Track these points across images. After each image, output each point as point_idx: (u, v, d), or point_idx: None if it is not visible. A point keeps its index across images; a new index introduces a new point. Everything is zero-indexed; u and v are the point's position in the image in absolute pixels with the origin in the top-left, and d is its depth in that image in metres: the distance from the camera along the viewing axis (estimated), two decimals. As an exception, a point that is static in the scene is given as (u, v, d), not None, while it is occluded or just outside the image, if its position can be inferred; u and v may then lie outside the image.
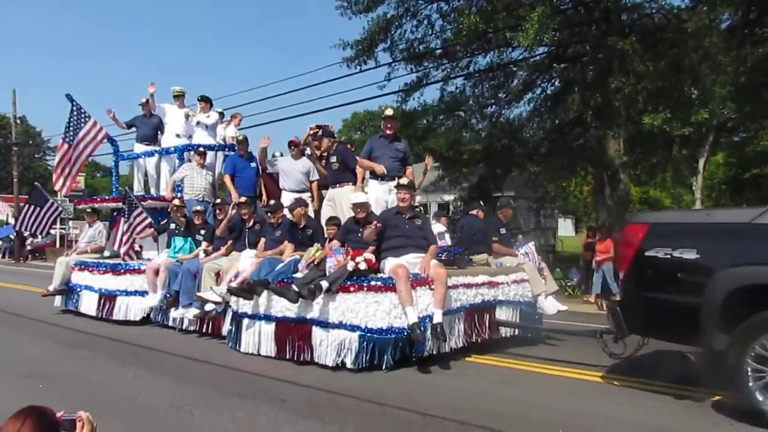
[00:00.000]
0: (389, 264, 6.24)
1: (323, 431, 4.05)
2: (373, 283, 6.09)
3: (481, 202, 8.88)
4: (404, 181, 6.51)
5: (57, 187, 10.21)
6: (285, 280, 6.68)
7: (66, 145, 9.63)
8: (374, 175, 7.32)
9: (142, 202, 9.49)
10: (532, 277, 7.50)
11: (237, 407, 4.56)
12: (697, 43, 12.01)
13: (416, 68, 16.90)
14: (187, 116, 10.45)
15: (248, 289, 6.75)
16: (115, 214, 10.71)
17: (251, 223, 8.19)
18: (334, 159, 7.74)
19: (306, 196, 8.54)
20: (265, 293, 6.71)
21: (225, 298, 7.22)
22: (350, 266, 6.18)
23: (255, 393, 5.03)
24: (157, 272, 8.70)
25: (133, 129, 11.05)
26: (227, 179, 9.38)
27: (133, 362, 6.25)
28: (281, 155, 9.69)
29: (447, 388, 5.29)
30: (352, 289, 6.12)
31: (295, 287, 6.29)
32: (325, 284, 6.12)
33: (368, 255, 6.32)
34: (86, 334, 8.03)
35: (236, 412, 4.43)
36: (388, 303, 5.99)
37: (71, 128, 9.77)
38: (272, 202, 7.85)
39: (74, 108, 10.24)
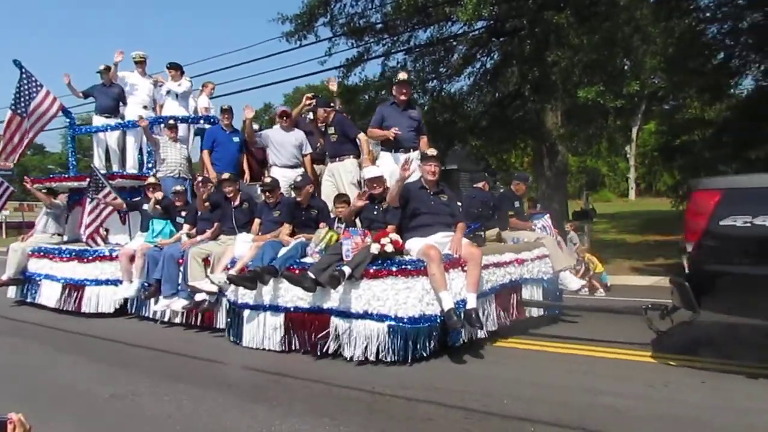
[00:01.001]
0: (416, 245, 5.49)
1: (271, 413, 3.86)
2: (402, 267, 5.29)
3: (486, 174, 8.15)
4: (432, 151, 5.72)
5: (0, 161, 8.82)
6: (294, 266, 5.90)
7: (18, 117, 8.25)
8: (386, 145, 6.45)
9: (111, 181, 8.25)
10: (553, 252, 6.90)
11: (182, 393, 4.35)
12: (628, 16, 12.11)
13: (357, 43, 16.75)
14: (155, 83, 9.27)
15: (253, 277, 5.88)
16: (74, 194, 9.50)
17: (237, 202, 7.22)
18: (332, 130, 6.92)
19: (299, 171, 7.66)
20: (271, 281, 5.81)
21: (223, 287, 6.26)
22: (374, 249, 5.40)
23: (202, 378, 4.81)
24: (132, 259, 7.75)
25: (91, 100, 9.67)
26: (205, 155, 8.36)
27: (75, 351, 5.84)
28: (259, 128, 8.64)
29: (483, 377, 4.69)
30: (380, 274, 5.31)
31: (311, 274, 5.45)
32: (347, 270, 5.31)
33: (394, 236, 5.55)
34: (45, 328, 6.93)
35: (182, 398, 4.22)
36: (419, 288, 5.29)
37: (22, 98, 8.43)
38: (267, 179, 6.87)
39: (24, 75, 8.89)
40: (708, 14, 15.26)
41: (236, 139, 8.44)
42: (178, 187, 7.94)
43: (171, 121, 8.60)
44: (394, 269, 5.34)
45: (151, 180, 8.13)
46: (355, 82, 17.29)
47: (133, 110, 9.34)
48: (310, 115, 7.17)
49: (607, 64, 12.73)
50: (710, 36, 15.11)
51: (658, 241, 16.95)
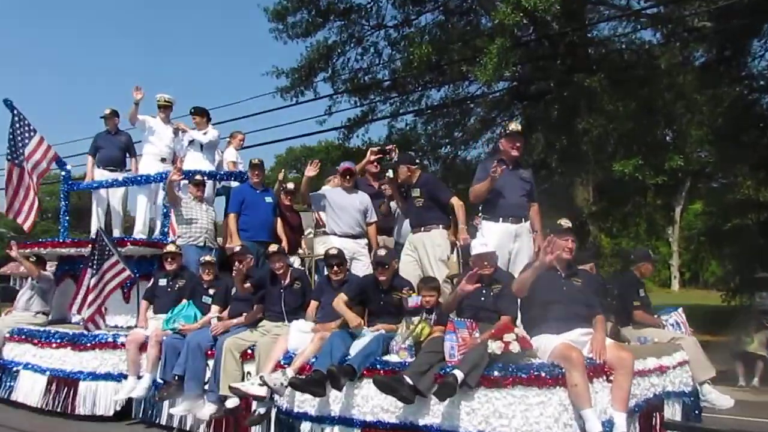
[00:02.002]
0: (549, 344, 4.88)
1: None
2: (536, 373, 4.60)
3: (588, 254, 7.57)
4: (566, 222, 5.14)
5: (20, 221, 8.26)
6: (377, 366, 5.28)
7: (17, 168, 7.73)
8: (489, 214, 5.93)
9: (120, 248, 7.67)
10: (695, 357, 6.20)
11: None
12: (670, 81, 12.35)
13: (361, 101, 17.10)
14: (176, 132, 8.96)
15: (321, 380, 5.21)
16: (63, 264, 9.05)
17: (288, 281, 6.60)
18: (416, 192, 6.47)
19: (362, 242, 7.18)
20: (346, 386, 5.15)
21: (278, 390, 5.52)
22: (495, 347, 4.77)
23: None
24: (143, 347, 7.13)
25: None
26: (231, 219, 7.95)
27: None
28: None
29: None
30: (504, 382, 4.63)
31: (408, 379, 4.75)
32: (459, 375, 4.60)
33: (520, 331, 4.90)
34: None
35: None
36: (556, 403, 4.64)
37: (16, 144, 7.90)
38: (332, 250, 6.25)
39: (15, 118, 8.42)
40: (762, 82, 15.42)
41: (269, 200, 8.06)
42: (208, 258, 7.35)
43: (198, 177, 8.11)
44: (523, 376, 4.65)
45: (171, 248, 7.50)
46: (357, 144, 17.39)
47: (148, 163, 8.92)
48: (390, 173, 6.64)
49: (646, 135, 12.82)
50: (765, 106, 15.19)
51: (709, 341, 16.15)
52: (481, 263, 5.41)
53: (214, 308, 7.16)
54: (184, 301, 7.35)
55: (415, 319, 5.53)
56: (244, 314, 6.85)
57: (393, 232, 7.46)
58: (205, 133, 8.93)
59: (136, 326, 7.71)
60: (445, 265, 6.20)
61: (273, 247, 6.75)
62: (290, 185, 8.40)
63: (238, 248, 7.08)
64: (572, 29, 13.60)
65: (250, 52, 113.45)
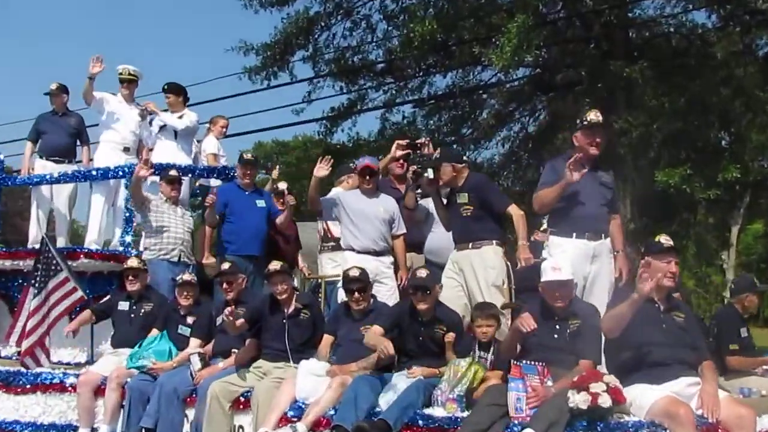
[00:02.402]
0: (646, 396, 4.73)
1: None
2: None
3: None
4: (667, 240, 4.98)
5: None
6: (418, 422, 5.15)
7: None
8: (561, 228, 5.82)
9: (72, 261, 7.64)
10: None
11: None
12: (727, 73, 12.44)
13: (348, 87, 17.02)
14: (143, 114, 8.85)
15: None
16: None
17: (292, 308, 6.47)
18: (464, 198, 6.30)
19: (387, 261, 7.02)
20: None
21: (285, 454, 5.37)
22: (580, 401, 4.65)
23: None
24: (99, 391, 6.90)
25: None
26: (207, 228, 7.97)
27: None
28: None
29: None
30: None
31: (465, 440, 4.60)
32: (532, 436, 4.46)
33: (611, 379, 4.74)
34: None
35: None
36: None
37: None
38: (353, 271, 6.09)
39: None
40: None
41: (261, 203, 7.93)
42: (186, 277, 7.17)
43: (172, 172, 7.95)
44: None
45: (133, 263, 7.31)
46: (342, 140, 17.41)
47: (107, 153, 8.76)
48: (429, 173, 6.46)
49: (696, 138, 12.93)
50: None
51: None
52: (551, 294, 5.23)
53: (194, 342, 6.96)
54: (155, 332, 7.15)
55: (465, 362, 5.36)
56: (234, 351, 6.65)
57: (422, 246, 7.34)
58: (180, 117, 8.79)
59: (89, 362, 7.54)
60: (500, 293, 6.06)
61: (275, 265, 6.52)
62: (282, 185, 8.27)
63: (226, 266, 6.84)
64: (609, 7, 13.51)
65: (211, 22, 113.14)
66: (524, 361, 5.01)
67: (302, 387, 5.76)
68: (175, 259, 7.83)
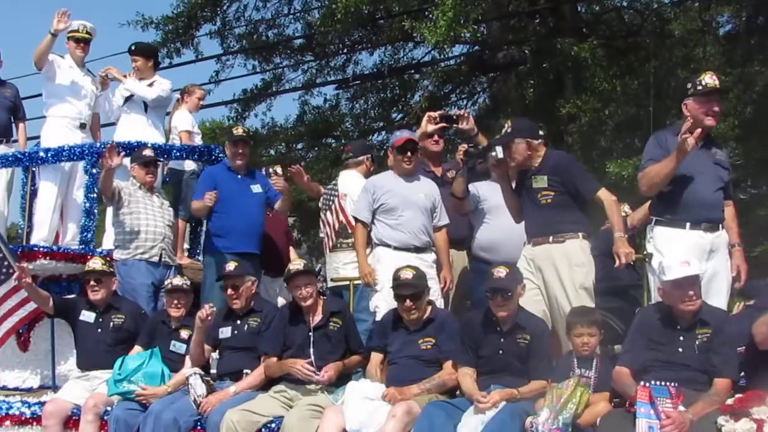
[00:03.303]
0: None
1: None
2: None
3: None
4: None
5: None
6: None
7: None
8: (672, 217, 5.23)
9: (27, 263, 6.57)
10: None
11: None
12: (685, 54, 12.68)
13: (262, 66, 16.62)
14: (105, 83, 8.03)
15: None
16: None
17: (320, 317, 5.67)
18: (542, 182, 5.51)
19: (430, 258, 6.20)
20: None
21: None
22: (743, 429, 3.91)
23: None
24: (70, 424, 6.00)
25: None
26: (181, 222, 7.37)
27: None
28: None
29: None
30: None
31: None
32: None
33: None
34: None
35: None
36: None
37: None
38: (405, 272, 5.34)
39: None
40: None
41: (257, 189, 7.08)
42: (177, 281, 6.29)
43: (147, 152, 7.02)
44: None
45: (95, 264, 6.39)
46: (256, 126, 16.79)
47: (58, 131, 7.75)
48: (498, 152, 5.63)
49: (651, 124, 12.61)
50: None
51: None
52: (682, 295, 4.56)
53: (188, 362, 6.06)
54: (137, 349, 6.20)
55: (570, 383, 4.61)
56: (246, 372, 5.80)
57: (463, 242, 6.60)
58: (151, 85, 7.85)
59: (46, 387, 6.72)
60: (589, 297, 5.30)
61: (296, 264, 5.74)
62: (278, 168, 7.63)
63: (231, 266, 6.00)
64: (557, -23, 13.47)
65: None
66: (653, 382, 4.35)
67: (354, 416, 4.97)
68: (155, 259, 6.88)
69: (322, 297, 5.79)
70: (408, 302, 5.25)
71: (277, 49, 16.34)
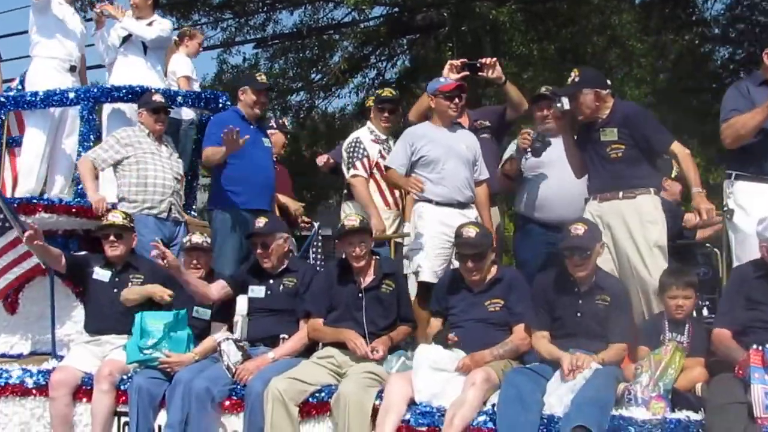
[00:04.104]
0: None
1: None
2: None
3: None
4: None
5: None
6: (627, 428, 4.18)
7: None
8: (748, 171, 5.04)
9: (27, 216, 6.19)
10: None
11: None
12: (602, 21, 12.87)
13: (179, 23, 16.16)
14: (99, 20, 7.70)
15: None
16: None
17: (372, 279, 5.38)
18: (612, 134, 5.26)
19: (473, 214, 5.90)
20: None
21: None
22: None
23: None
24: (79, 394, 5.57)
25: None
26: (209, 150, 6.58)
27: None
28: None
29: None
30: None
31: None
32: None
33: None
34: None
35: None
36: None
37: None
38: (468, 230, 5.13)
39: None
40: (717, 30, 16.18)
41: (267, 143, 6.87)
42: (197, 238, 5.94)
43: (158, 98, 6.60)
44: None
45: (116, 218, 5.92)
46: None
47: (45, 72, 7.25)
48: (563, 103, 5.36)
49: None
50: (718, 63, 16.04)
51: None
52: None
53: (218, 327, 5.70)
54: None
55: (669, 348, 4.41)
56: (284, 337, 5.45)
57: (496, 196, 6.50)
58: (150, 25, 7.37)
59: (49, 353, 6.19)
60: (663, 256, 5.09)
61: (352, 219, 5.37)
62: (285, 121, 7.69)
63: (262, 221, 5.65)
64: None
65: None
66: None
67: (425, 385, 4.65)
68: (164, 214, 6.48)
69: (375, 257, 5.46)
70: (470, 263, 4.98)
71: (195, 6, 16.23)
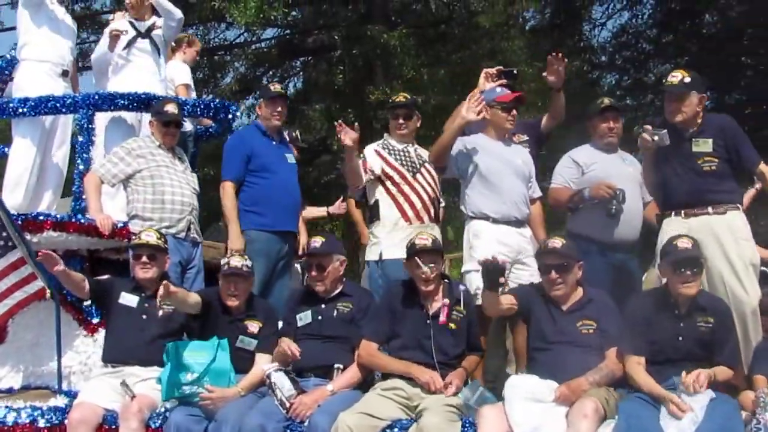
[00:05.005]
0: None
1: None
2: None
3: None
4: None
5: None
6: None
7: None
8: None
9: (32, 234, 5.78)
10: None
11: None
12: (492, 46, 13.34)
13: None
14: (114, 38, 6.91)
15: None
16: None
17: (439, 306, 5.02)
18: (705, 145, 5.10)
19: (528, 234, 5.74)
20: None
21: None
22: None
23: None
24: None
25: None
26: (229, 188, 6.15)
27: None
28: None
29: None
30: None
31: None
32: None
33: None
34: None
35: None
36: None
37: None
38: (554, 241, 4.95)
39: None
40: (604, 57, 17.04)
41: (291, 160, 6.49)
42: (235, 261, 5.38)
43: (171, 108, 6.09)
44: None
45: (149, 237, 5.43)
46: None
47: (35, 78, 6.72)
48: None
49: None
50: (606, 87, 16.72)
51: None
52: None
53: (264, 358, 5.21)
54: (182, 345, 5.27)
55: None
56: (338, 367, 5.06)
57: None
58: (152, 28, 6.95)
59: (44, 387, 5.77)
60: (757, 274, 4.97)
61: (424, 238, 4.98)
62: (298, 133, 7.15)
63: (318, 242, 5.26)
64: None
65: None
66: None
67: (523, 418, 4.32)
68: (183, 234, 5.99)
69: (444, 280, 5.10)
70: (554, 274, 4.72)
71: (85, 24, 15.84)
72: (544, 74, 6.13)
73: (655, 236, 5.40)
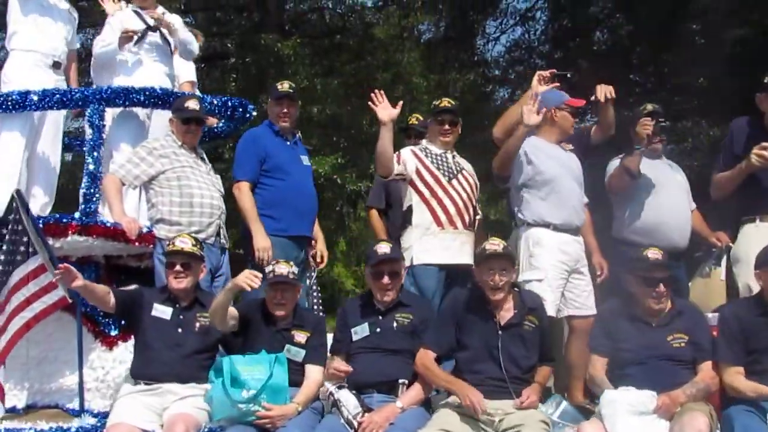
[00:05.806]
0: None
1: None
2: None
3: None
4: None
5: None
6: None
7: None
8: None
9: (55, 239, 5.42)
10: None
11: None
12: (387, 58, 13.59)
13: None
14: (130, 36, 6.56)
15: None
16: None
17: (510, 316, 4.76)
18: None
19: (583, 242, 5.58)
20: None
21: None
22: None
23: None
24: None
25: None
26: (245, 188, 5.83)
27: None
28: None
29: None
30: None
31: None
32: None
33: None
34: None
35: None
36: None
37: None
38: (654, 252, 4.77)
39: None
40: (497, 71, 17.56)
41: (306, 161, 6.29)
42: (280, 268, 5.03)
43: (192, 105, 5.77)
44: None
45: (185, 244, 5.04)
46: None
47: (24, 69, 6.37)
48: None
49: (352, 125, 13.59)
50: (499, 101, 17.16)
51: None
52: None
53: (316, 370, 4.94)
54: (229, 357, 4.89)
55: None
56: (402, 382, 4.78)
57: None
58: (156, 26, 6.60)
59: (81, 411, 5.19)
60: None
61: (495, 243, 4.73)
62: None
63: (386, 248, 5.03)
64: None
65: None
66: None
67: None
68: (212, 239, 5.62)
69: (515, 289, 4.87)
70: (662, 287, 4.57)
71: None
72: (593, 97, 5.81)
73: (701, 244, 5.37)
